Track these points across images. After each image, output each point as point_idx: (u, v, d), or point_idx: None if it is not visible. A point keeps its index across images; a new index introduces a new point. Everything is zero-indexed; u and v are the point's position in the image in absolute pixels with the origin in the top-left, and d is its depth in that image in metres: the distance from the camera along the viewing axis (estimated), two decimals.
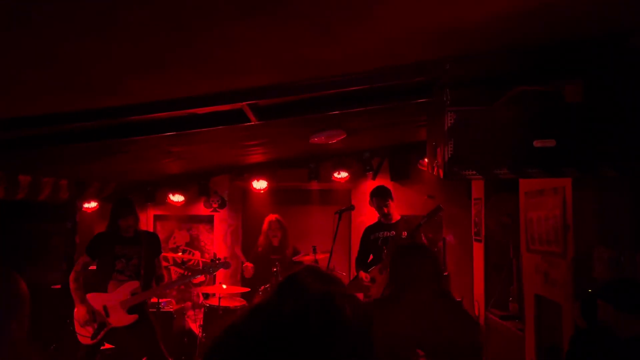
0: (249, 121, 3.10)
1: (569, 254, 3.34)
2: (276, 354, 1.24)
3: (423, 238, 4.81)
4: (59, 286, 5.58)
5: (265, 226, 5.76)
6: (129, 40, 1.75)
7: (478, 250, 5.56)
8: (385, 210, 4.84)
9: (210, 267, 4.81)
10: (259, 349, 1.27)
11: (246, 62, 2.13)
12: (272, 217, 5.76)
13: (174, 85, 2.38)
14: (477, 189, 5.55)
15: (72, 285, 4.28)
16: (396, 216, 4.92)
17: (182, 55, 1.94)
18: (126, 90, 2.37)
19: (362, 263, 4.98)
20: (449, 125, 2.45)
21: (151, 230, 6.49)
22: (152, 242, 4.59)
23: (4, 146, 3.24)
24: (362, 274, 4.77)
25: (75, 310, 4.26)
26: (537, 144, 2.38)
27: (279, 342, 1.26)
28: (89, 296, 4.27)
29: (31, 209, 5.39)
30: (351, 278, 5.26)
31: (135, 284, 4.31)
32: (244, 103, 2.77)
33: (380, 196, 4.87)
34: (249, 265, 5.63)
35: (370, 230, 5.04)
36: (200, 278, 6.35)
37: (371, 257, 4.92)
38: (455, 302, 2.82)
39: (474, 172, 2.45)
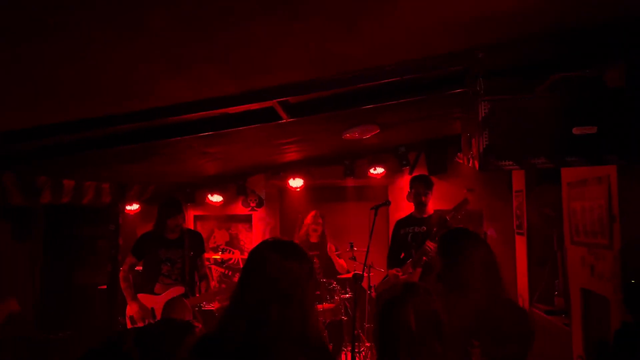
0: (281, 119, 3.10)
1: (616, 246, 3.20)
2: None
3: None
4: (104, 287, 5.76)
5: (308, 219, 5.66)
6: (153, 43, 1.77)
7: (520, 244, 5.40)
8: (423, 199, 4.60)
9: None
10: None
11: (271, 59, 2.12)
12: (315, 212, 5.69)
13: (203, 86, 2.40)
14: (518, 181, 5.39)
15: (122, 284, 4.42)
16: (429, 211, 4.68)
17: (204, 55, 1.95)
18: (157, 93, 2.41)
19: (394, 259, 4.71)
20: (483, 115, 2.39)
21: None
22: (195, 242, 4.67)
23: (47, 152, 3.36)
24: (392, 272, 4.53)
25: (128, 307, 4.40)
26: (576, 131, 2.29)
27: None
28: (139, 297, 4.39)
29: (76, 213, 5.57)
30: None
31: (180, 290, 4.40)
32: (274, 101, 2.77)
33: (422, 182, 4.63)
34: None
35: (400, 224, 4.81)
36: None
37: (403, 254, 4.66)
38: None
39: (511, 163, 2.38)
